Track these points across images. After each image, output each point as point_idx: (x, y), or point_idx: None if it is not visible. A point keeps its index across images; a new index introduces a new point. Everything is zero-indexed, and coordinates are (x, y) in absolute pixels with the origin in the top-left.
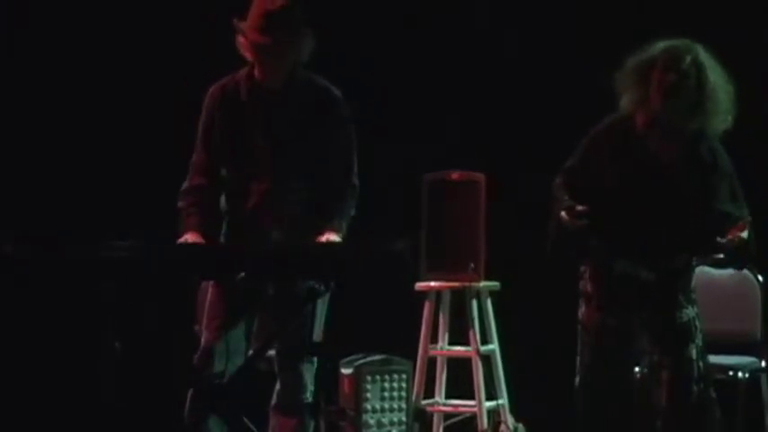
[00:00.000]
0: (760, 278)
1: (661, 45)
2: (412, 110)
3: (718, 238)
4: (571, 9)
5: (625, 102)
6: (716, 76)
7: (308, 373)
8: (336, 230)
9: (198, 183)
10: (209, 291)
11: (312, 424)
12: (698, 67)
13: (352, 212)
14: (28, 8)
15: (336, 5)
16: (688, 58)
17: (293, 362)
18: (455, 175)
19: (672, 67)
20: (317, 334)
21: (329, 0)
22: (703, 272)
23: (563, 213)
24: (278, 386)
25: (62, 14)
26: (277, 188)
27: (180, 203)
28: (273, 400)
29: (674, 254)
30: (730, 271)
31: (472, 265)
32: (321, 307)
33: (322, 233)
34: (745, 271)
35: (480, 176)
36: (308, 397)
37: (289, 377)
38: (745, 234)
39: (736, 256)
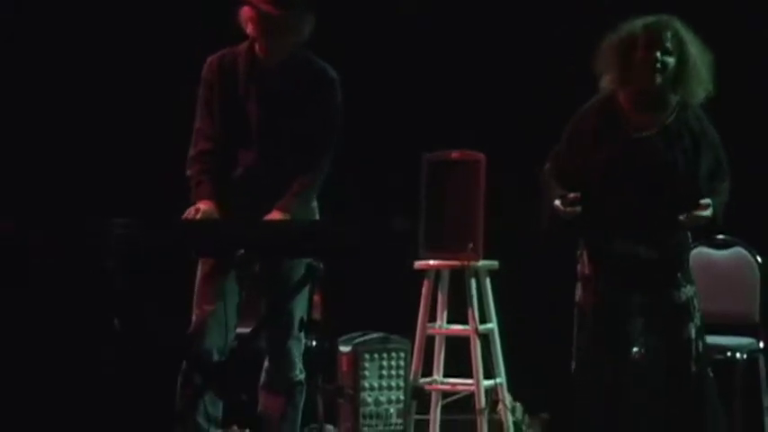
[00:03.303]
0: (759, 259)
1: (639, 22)
2: (413, 88)
3: (680, 216)
4: None
5: (606, 81)
6: (695, 49)
7: (296, 350)
8: (285, 210)
9: (204, 148)
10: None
11: (302, 401)
12: (678, 40)
13: (314, 192)
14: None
15: None
16: (668, 34)
17: (281, 340)
18: (455, 155)
19: (654, 45)
20: (302, 310)
21: None
22: (702, 252)
23: (557, 202)
24: (266, 364)
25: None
26: (264, 161)
27: (189, 171)
28: (263, 379)
29: (673, 228)
30: (729, 252)
31: (471, 244)
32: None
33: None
34: (744, 251)
35: (481, 156)
36: (297, 374)
37: (277, 355)
38: (707, 212)
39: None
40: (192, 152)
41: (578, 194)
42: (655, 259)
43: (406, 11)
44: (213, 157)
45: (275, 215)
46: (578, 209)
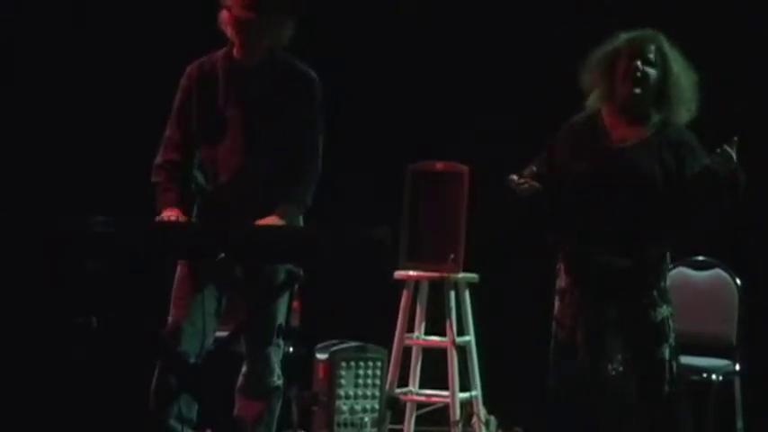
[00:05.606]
0: (738, 281)
1: (624, 36)
2: (399, 99)
3: (706, 160)
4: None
5: (592, 98)
6: (679, 66)
7: (275, 356)
8: (283, 215)
9: (171, 158)
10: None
11: (279, 407)
12: (662, 55)
13: (310, 197)
14: None
15: None
16: (652, 47)
17: (261, 345)
18: (439, 166)
19: (636, 56)
20: (282, 316)
21: None
22: (681, 273)
23: (513, 176)
24: (244, 369)
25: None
26: (248, 167)
27: (155, 178)
28: (240, 383)
29: (647, 241)
30: (709, 273)
31: (452, 255)
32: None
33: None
34: (724, 273)
35: (464, 168)
36: (275, 380)
37: (256, 360)
38: (732, 152)
39: (728, 181)
40: (158, 160)
41: (534, 169)
42: (627, 269)
43: (406, 11)
44: (180, 165)
45: (272, 220)
46: (537, 185)
